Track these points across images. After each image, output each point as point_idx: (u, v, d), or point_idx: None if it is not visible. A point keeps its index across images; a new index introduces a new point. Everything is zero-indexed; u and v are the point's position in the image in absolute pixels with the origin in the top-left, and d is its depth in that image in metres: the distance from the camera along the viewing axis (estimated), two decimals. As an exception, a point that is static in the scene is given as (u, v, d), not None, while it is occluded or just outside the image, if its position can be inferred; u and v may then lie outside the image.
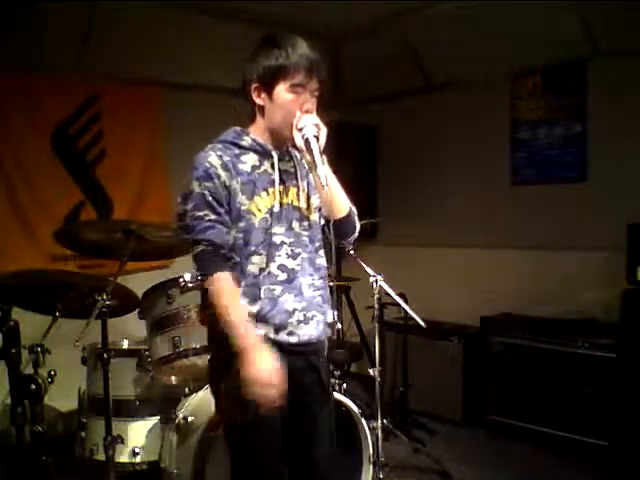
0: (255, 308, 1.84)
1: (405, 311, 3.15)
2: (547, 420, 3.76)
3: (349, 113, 5.18)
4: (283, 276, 1.88)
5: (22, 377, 2.30)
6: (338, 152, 4.78)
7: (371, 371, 3.04)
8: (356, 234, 2.07)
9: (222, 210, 1.83)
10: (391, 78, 4.85)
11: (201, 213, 1.81)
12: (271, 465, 1.90)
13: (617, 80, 3.84)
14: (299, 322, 1.89)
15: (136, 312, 2.96)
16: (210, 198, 1.81)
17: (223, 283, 1.81)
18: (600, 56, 3.90)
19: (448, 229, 4.71)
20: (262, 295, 1.84)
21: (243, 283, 1.85)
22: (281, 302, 1.87)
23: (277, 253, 1.88)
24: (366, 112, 5.19)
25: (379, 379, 3.01)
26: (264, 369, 1.75)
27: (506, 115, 4.46)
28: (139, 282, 3.13)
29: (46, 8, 3.51)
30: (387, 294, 3.08)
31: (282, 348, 1.87)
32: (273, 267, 1.87)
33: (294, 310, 1.88)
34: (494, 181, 4.54)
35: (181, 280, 2.83)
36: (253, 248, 1.85)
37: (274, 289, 1.86)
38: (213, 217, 1.81)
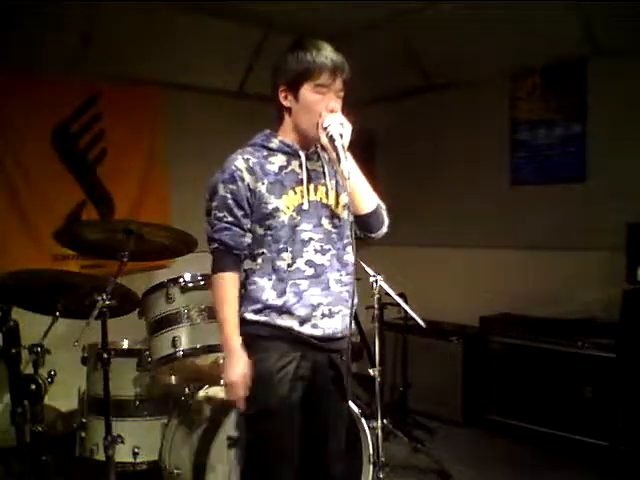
0: (281, 301, 1.91)
1: (405, 311, 3.15)
2: (547, 420, 3.76)
3: (348, 113, 5.18)
4: (310, 271, 1.94)
5: (22, 377, 2.31)
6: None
7: (371, 371, 3.03)
8: (384, 229, 2.14)
9: (240, 213, 1.92)
10: (391, 78, 4.85)
11: (220, 214, 1.93)
12: (284, 455, 1.95)
13: (617, 80, 3.84)
14: (324, 316, 1.95)
15: (136, 312, 2.96)
16: (230, 201, 1.91)
17: (226, 283, 1.93)
18: (600, 56, 3.90)
19: (448, 229, 4.71)
20: (288, 289, 1.91)
21: (274, 277, 1.93)
22: (306, 296, 1.93)
23: (305, 249, 1.94)
24: (366, 112, 5.17)
25: (379, 379, 3.01)
26: (236, 374, 1.88)
27: (506, 115, 4.46)
28: (139, 282, 3.13)
29: (46, 8, 3.51)
30: (387, 294, 3.08)
31: (305, 342, 1.93)
32: (300, 262, 1.93)
33: (319, 304, 1.94)
34: (494, 181, 4.53)
35: (181, 280, 2.84)
36: (282, 245, 1.92)
37: (300, 284, 1.93)
38: (230, 219, 1.92)
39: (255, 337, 1.94)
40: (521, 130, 4.41)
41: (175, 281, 2.84)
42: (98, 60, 3.94)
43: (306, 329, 1.92)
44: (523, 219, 4.31)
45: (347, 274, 2.03)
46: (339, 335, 1.99)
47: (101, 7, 3.72)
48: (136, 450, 2.93)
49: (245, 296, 1.97)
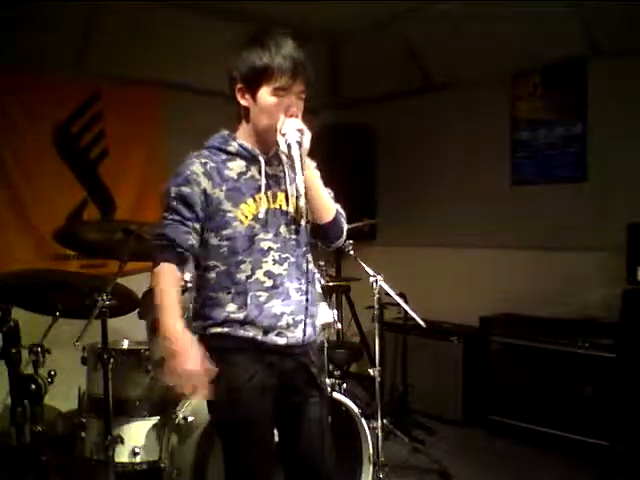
0: (242, 314, 1.84)
1: (405, 311, 3.14)
2: (547, 420, 3.76)
3: (348, 113, 5.19)
4: (269, 282, 1.86)
5: (22, 377, 2.30)
6: (337, 152, 4.80)
7: (371, 371, 3.04)
8: (343, 239, 2.03)
9: (187, 215, 1.82)
10: (391, 78, 4.85)
11: (168, 215, 1.84)
12: (261, 463, 1.90)
13: (617, 80, 3.84)
14: (288, 325, 1.88)
15: (136, 312, 2.96)
16: (179, 203, 1.82)
17: (165, 272, 1.81)
18: (600, 56, 3.90)
19: (448, 229, 4.71)
20: (249, 301, 1.84)
21: (233, 290, 1.85)
22: (267, 308, 1.86)
23: (264, 259, 1.86)
24: (365, 112, 5.19)
25: (379, 379, 3.01)
26: (184, 361, 1.71)
27: (506, 115, 4.46)
28: (139, 282, 3.13)
29: (46, 8, 3.51)
30: (387, 294, 3.08)
31: (271, 350, 1.87)
32: (259, 274, 1.86)
33: (282, 314, 1.87)
34: (494, 181, 4.53)
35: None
36: (240, 257, 1.84)
37: (260, 295, 1.85)
38: (176, 217, 1.83)
39: (220, 350, 1.84)
40: (521, 130, 4.41)
41: (175, 281, 2.84)
42: (98, 60, 3.94)
43: (270, 338, 1.86)
44: (523, 219, 4.31)
45: (307, 282, 1.93)
46: (302, 343, 1.92)
47: (101, 7, 3.72)
48: (136, 450, 2.93)
49: (201, 312, 1.89)
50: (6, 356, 2.29)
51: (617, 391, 3.42)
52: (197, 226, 1.85)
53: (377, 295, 3.07)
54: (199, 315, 1.91)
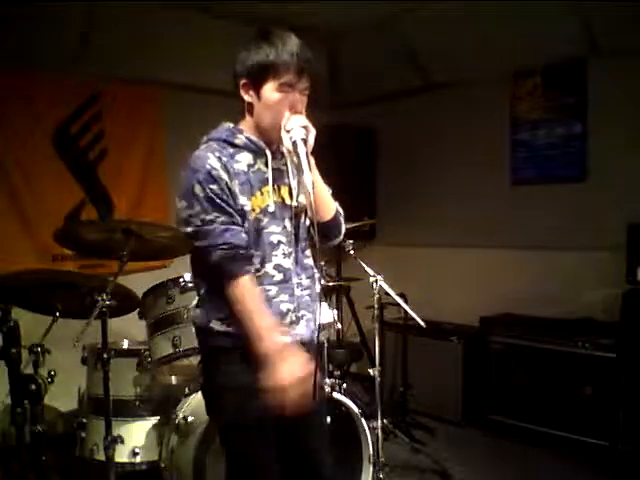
0: None
1: (405, 311, 3.15)
2: (547, 420, 3.76)
3: (348, 113, 5.19)
4: (279, 276, 1.85)
5: (22, 377, 2.30)
6: (337, 152, 4.80)
7: (371, 371, 3.04)
8: (341, 237, 2.03)
9: (231, 211, 1.78)
10: (390, 78, 4.85)
11: (211, 216, 1.76)
12: (267, 465, 1.87)
13: (617, 80, 3.84)
14: (291, 323, 1.87)
15: (136, 312, 2.96)
16: (218, 200, 1.76)
17: (247, 288, 1.77)
18: (600, 56, 3.90)
19: (448, 229, 4.71)
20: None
21: None
22: (275, 303, 1.85)
23: (274, 253, 1.85)
24: (365, 112, 5.19)
25: (379, 379, 3.01)
26: (290, 375, 1.69)
27: (506, 115, 4.46)
28: (139, 282, 3.13)
29: (46, 8, 3.51)
30: (387, 294, 3.08)
31: None
32: (269, 267, 1.84)
33: (287, 311, 1.87)
34: (494, 181, 4.53)
35: (181, 280, 2.84)
36: (251, 250, 1.82)
37: (269, 289, 1.84)
38: (225, 219, 1.77)
39: (221, 350, 1.84)
40: (521, 130, 4.41)
41: (175, 281, 2.85)
42: (98, 60, 3.94)
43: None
44: (523, 219, 4.31)
45: (307, 277, 1.94)
46: (306, 340, 1.89)
47: (101, 7, 3.72)
48: (136, 450, 2.93)
49: (210, 303, 1.85)
50: (6, 356, 2.29)
51: (617, 391, 3.42)
52: (240, 220, 1.80)
53: (377, 295, 3.07)
54: (206, 305, 1.87)
